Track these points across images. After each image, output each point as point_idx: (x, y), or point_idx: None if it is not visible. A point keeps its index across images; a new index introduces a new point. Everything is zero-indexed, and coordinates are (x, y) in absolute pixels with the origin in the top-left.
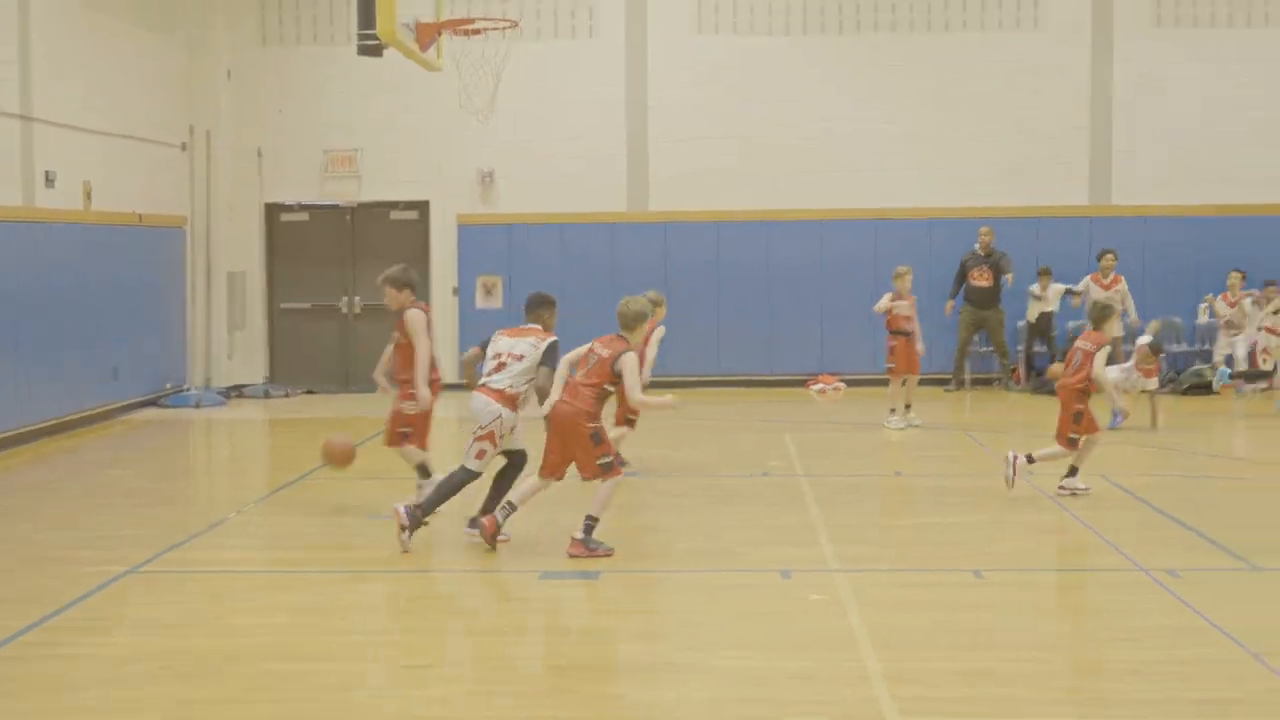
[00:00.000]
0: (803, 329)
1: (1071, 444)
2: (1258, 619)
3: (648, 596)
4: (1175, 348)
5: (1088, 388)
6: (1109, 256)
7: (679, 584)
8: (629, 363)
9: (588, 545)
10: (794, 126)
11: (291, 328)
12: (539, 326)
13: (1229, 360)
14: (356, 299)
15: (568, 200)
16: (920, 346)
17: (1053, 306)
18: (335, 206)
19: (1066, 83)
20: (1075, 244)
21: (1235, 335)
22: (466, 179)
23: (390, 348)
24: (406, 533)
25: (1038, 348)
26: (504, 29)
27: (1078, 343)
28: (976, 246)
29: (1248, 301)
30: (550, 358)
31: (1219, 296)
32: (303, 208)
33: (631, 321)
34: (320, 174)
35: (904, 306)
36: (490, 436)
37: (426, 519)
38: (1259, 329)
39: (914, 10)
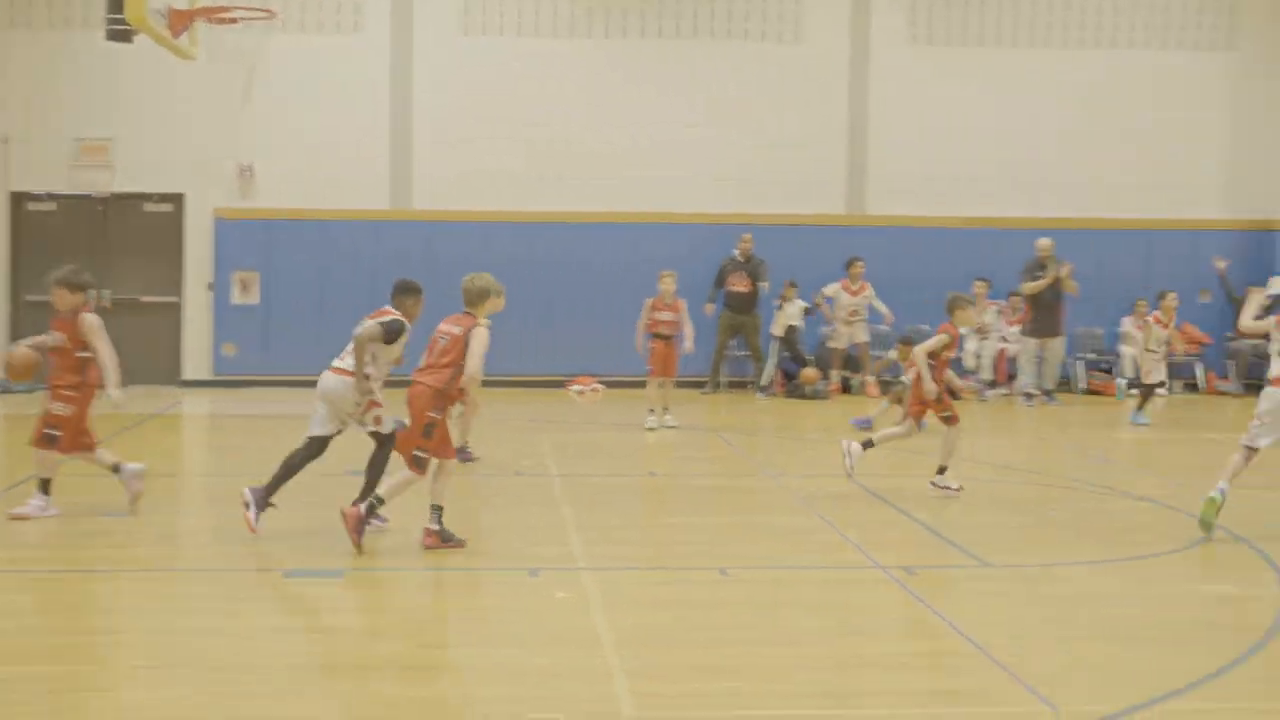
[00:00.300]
0: (565, 330)
1: (949, 421)
2: (985, 613)
3: (393, 594)
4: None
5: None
6: (858, 264)
7: (426, 582)
8: (479, 334)
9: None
10: (560, 130)
11: (36, 321)
12: (398, 313)
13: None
14: (107, 292)
15: (330, 197)
16: (689, 345)
17: (796, 321)
18: (86, 197)
19: (825, 95)
20: (831, 252)
21: (984, 340)
22: (225, 172)
23: (44, 339)
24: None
25: (784, 352)
26: (262, 19)
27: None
28: (736, 253)
29: (993, 311)
30: (386, 326)
31: None
32: (51, 197)
33: (475, 297)
34: (70, 163)
35: (665, 313)
36: (373, 403)
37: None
38: (1001, 338)
39: (680, 18)
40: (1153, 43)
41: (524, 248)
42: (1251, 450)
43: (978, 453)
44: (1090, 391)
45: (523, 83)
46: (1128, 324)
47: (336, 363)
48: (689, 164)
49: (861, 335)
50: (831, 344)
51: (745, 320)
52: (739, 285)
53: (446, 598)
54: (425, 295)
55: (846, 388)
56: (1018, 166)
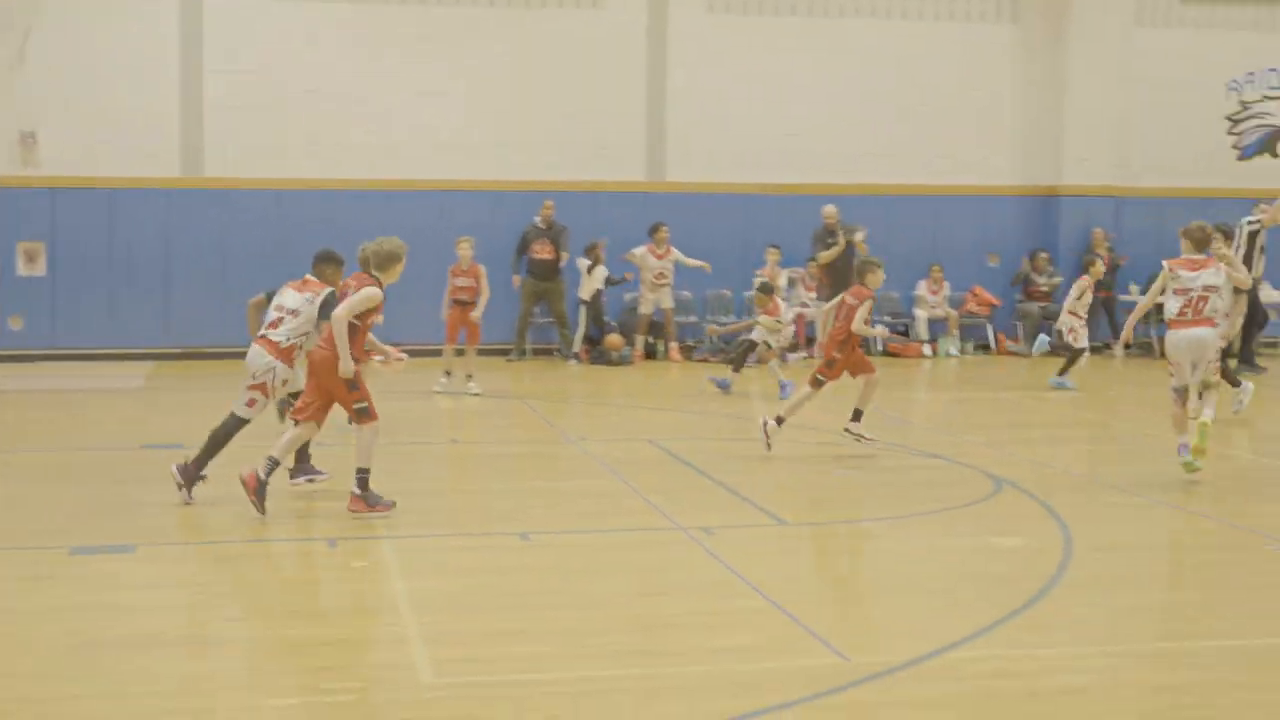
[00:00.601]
0: None
1: (817, 384)
2: (780, 570)
3: (187, 569)
4: (724, 319)
5: (849, 338)
6: (663, 230)
7: (220, 555)
8: (366, 290)
9: (368, 501)
10: (361, 96)
11: None
12: (319, 281)
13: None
14: None
15: (119, 164)
16: (476, 314)
17: (603, 284)
18: None
19: (624, 62)
20: (633, 218)
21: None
22: (6, 139)
23: None
24: (185, 490)
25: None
26: None
27: (845, 296)
28: (538, 219)
29: (785, 276)
30: (327, 310)
31: (759, 270)
32: None
33: (383, 261)
34: None
35: (462, 278)
36: (262, 388)
37: (203, 474)
38: (801, 304)
39: None
40: (940, 14)
41: (323, 215)
42: (1180, 392)
43: (773, 413)
44: (888, 353)
45: (320, 45)
46: (922, 288)
47: (267, 334)
48: (490, 130)
49: (667, 301)
50: (641, 310)
51: (549, 287)
52: (542, 252)
53: (242, 571)
54: (224, 266)
55: (651, 354)
56: (813, 134)
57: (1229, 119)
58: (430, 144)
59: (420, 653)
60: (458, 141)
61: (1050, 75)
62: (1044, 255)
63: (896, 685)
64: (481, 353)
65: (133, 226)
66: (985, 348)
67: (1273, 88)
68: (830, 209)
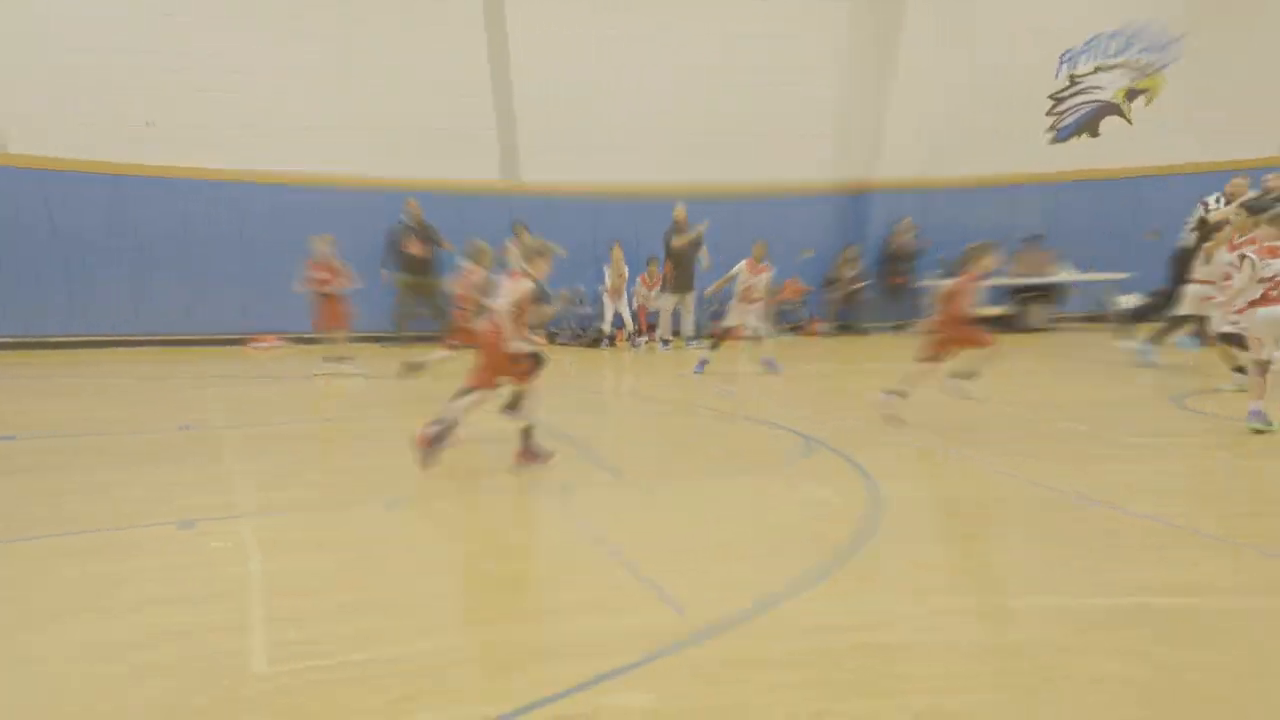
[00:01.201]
0: (229, 289)
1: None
2: (624, 525)
3: (30, 562)
4: (580, 309)
5: (953, 320)
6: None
7: (66, 548)
8: (516, 284)
9: (532, 451)
10: (204, 81)
11: None
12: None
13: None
14: None
15: None
16: (333, 290)
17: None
18: None
19: (470, 59)
20: (492, 217)
21: (619, 301)
22: None
23: None
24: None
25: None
26: None
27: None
28: (405, 217)
29: (624, 269)
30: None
31: (607, 266)
32: None
33: (530, 254)
34: None
35: (319, 272)
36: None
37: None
38: (644, 297)
39: None
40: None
41: (163, 202)
42: (1261, 365)
43: (620, 386)
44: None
45: (146, 27)
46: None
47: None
48: (346, 124)
49: None
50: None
51: (423, 281)
52: (414, 249)
53: (90, 561)
54: (53, 252)
55: None
56: (659, 130)
57: (1052, 98)
58: (288, 135)
59: (258, 635)
60: (312, 136)
61: (873, 74)
62: (852, 251)
63: (731, 643)
64: (361, 339)
65: None
66: (796, 329)
67: (1109, 56)
68: (680, 208)
